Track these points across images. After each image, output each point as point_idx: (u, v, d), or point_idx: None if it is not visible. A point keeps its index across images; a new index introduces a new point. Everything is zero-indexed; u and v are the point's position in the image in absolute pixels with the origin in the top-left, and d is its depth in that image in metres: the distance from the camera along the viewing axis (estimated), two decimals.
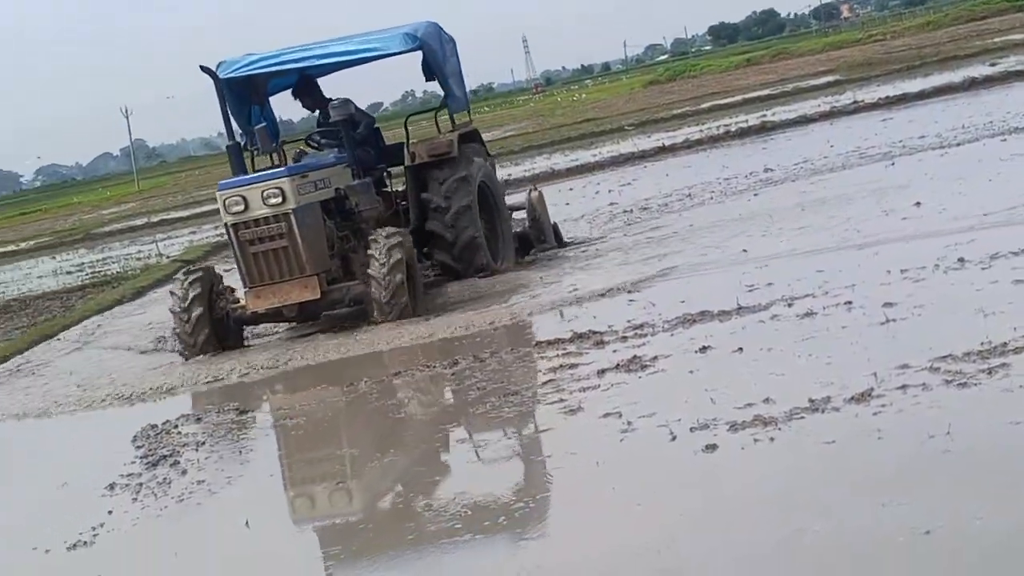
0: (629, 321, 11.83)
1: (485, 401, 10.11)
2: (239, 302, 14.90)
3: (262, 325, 15.87)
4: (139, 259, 32.11)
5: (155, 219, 48.14)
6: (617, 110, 59.89)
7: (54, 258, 40.46)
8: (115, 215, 57.73)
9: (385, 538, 7.79)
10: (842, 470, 7.17)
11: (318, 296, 14.33)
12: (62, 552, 8.50)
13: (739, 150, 28.54)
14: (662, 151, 31.97)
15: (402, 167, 16.76)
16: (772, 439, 7.77)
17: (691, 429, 8.23)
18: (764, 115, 35.58)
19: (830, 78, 48.46)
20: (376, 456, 9.60)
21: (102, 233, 47.01)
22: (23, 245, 49.29)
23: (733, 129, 33.27)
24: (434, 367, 11.81)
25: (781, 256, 13.83)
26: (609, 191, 25.33)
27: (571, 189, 27.57)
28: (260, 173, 14.65)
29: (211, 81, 15.35)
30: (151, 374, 14.39)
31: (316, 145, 16.62)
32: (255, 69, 16.18)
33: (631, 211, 21.36)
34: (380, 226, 15.14)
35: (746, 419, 8.15)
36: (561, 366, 10.73)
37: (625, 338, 11.29)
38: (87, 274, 30.93)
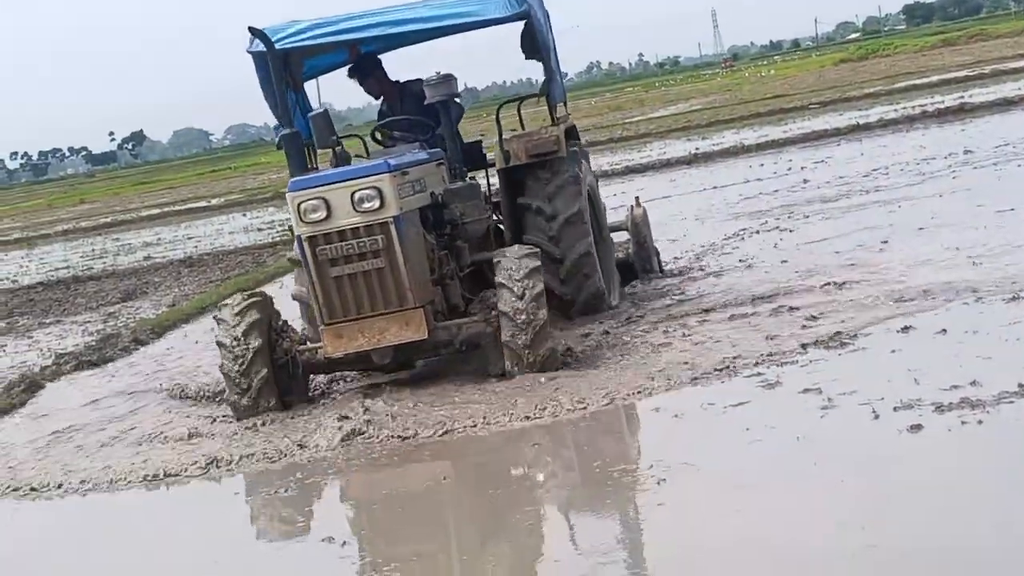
0: (832, 298, 11.68)
1: (689, 364, 10.10)
2: (306, 343, 11.54)
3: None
4: None
5: None
6: (807, 87, 59.19)
7: (244, 215, 41.27)
8: None
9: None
10: None
11: (424, 336, 10.75)
12: None
13: (936, 131, 27.90)
14: (856, 129, 31.41)
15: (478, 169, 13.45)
16: (980, 422, 7.62)
17: (895, 408, 8.11)
18: (962, 97, 34.75)
19: None
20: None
21: None
22: (214, 202, 50.43)
23: (930, 110, 32.58)
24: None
25: (985, 240, 13.44)
26: (802, 168, 24.99)
27: (762, 165, 27.28)
28: (347, 168, 10.89)
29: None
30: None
31: (389, 140, 12.91)
32: (316, 38, 12.54)
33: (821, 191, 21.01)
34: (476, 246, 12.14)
35: (953, 401, 8.01)
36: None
37: (825, 314, 11.15)
38: (278, 232, 31.45)
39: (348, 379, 12.21)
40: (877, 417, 8.05)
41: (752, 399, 9.04)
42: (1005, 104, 30.73)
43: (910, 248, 13.79)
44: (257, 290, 12.13)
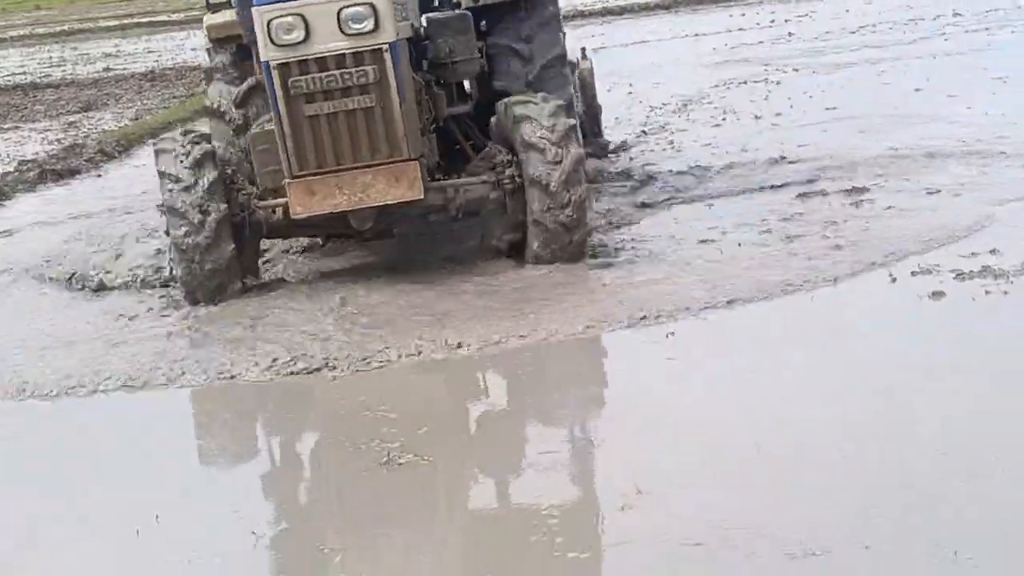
0: (834, 155, 11.37)
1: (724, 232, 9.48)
2: (264, 199, 9.17)
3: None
4: None
5: None
6: None
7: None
8: None
9: None
10: None
11: (420, 195, 8.67)
12: None
13: None
14: None
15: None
16: (1006, 293, 7.33)
17: (912, 273, 7.81)
18: None
19: None
20: None
21: None
22: (175, 16, 49.18)
23: None
24: None
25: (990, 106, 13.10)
26: (785, 20, 24.52)
27: (743, 15, 26.73)
28: None
29: None
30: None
31: None
32: None
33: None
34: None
35: (973, 268, 7.71)
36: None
37: (828, 169, 10.84)
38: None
39: (297, 248, 10.35)
40: (894, 281, 7.76)
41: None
42: None
43: (910, 108, 13.46)
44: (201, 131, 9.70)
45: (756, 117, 14.09)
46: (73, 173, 15.06)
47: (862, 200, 9.73)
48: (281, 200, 8.93)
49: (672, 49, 22.17)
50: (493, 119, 9.51)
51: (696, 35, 24.01)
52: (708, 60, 19.87)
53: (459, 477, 6.03)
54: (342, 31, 8.42)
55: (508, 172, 8.99)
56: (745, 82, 16.98)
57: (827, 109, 14.00)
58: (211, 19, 10.32)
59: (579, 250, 8.89)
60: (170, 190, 8.83)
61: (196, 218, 8.74)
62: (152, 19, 49.08)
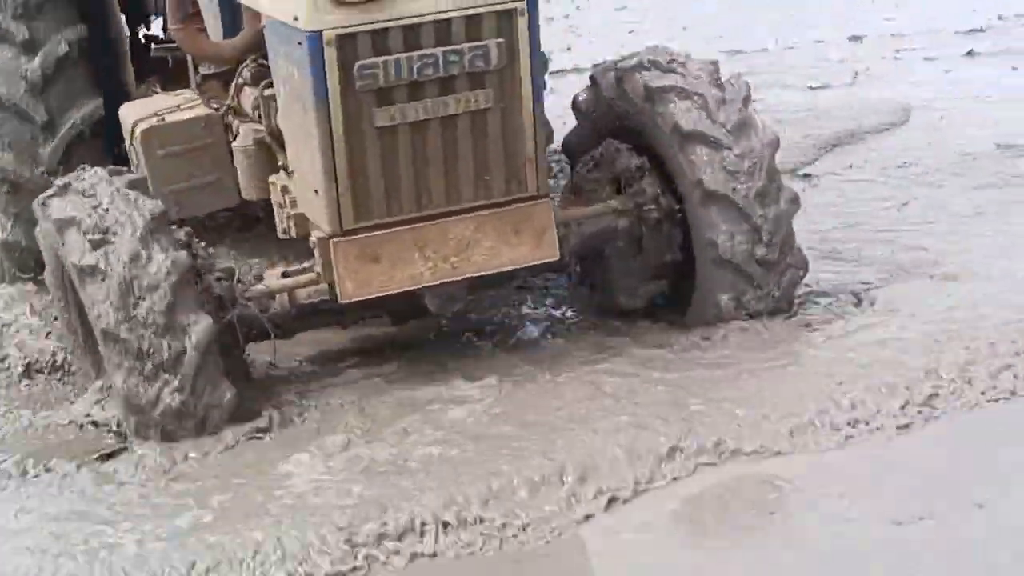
0: None
1: None
2: (262, 279, 5.71)
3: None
4: None
5: None
6: None
7: None
8: None
9: None
10: None
11: (555, 255, 5.57)
12: None
13: None
14: None
15: None
16: None
17: None
18: None
19: None
20: None
21: None
22: None
23: None
24: None
25: None
26: None
27: None
28: None
29: None
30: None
31: None
32: None
33: None
34: None
35: None
36: None
37: None
38: None
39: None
40: None
41: None
42: None
43: None
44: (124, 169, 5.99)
45: None
46: None
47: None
48: (284, 281, 5.54)
49: None
50: (580, 95, 6.37)
51: None
52: None
53: None
54: None
55: (650, 190, 5.86)
56: None
57: None
58: None
59: (786, 302, 5.91)
60: (103, 299, 5.11)
61: (161, 353, 5.08)
62: None
